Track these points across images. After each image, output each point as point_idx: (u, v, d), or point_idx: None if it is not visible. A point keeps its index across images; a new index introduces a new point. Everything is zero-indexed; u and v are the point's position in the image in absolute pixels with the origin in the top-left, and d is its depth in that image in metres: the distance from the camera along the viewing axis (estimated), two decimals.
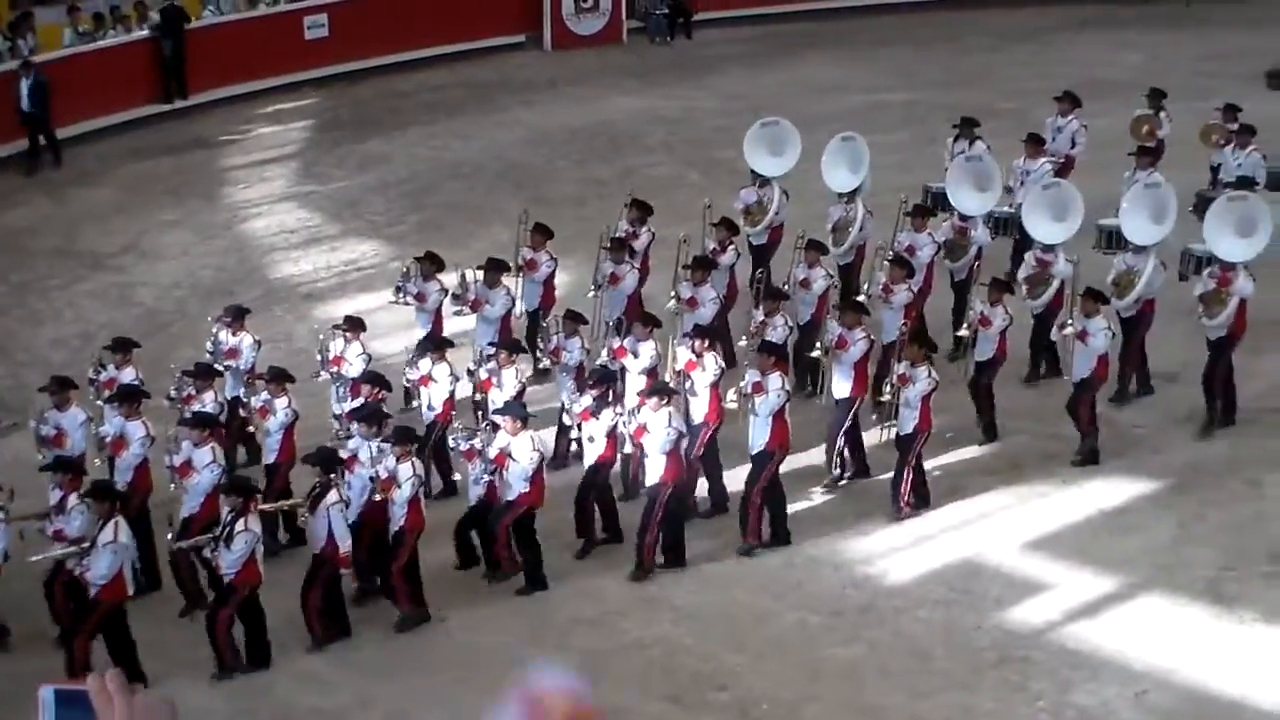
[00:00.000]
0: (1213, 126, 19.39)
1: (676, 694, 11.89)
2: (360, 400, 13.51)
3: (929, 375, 13.74)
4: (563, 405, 14.20)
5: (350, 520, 12.29)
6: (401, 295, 15.45)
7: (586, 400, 13.44)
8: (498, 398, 13.72)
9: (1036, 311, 15.82)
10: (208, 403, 13.42)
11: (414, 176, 22.45)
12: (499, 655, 12.14)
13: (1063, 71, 24.57)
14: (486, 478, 12.84)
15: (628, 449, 13.61)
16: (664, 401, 13.05)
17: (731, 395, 13.55)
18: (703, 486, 14.09)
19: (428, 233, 20.13)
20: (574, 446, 14.41)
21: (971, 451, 15.03)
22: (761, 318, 14.77)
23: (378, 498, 12.45)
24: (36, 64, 22.09)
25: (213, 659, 11.94)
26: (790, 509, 13.85)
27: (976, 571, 13.24)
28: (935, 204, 17.47)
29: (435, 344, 14.28)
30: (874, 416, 14.95)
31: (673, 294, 15.68)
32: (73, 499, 11.89)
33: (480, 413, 13.74)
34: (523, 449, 12.71)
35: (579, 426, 13.68)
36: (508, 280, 15.71)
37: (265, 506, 12.79)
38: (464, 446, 12.93)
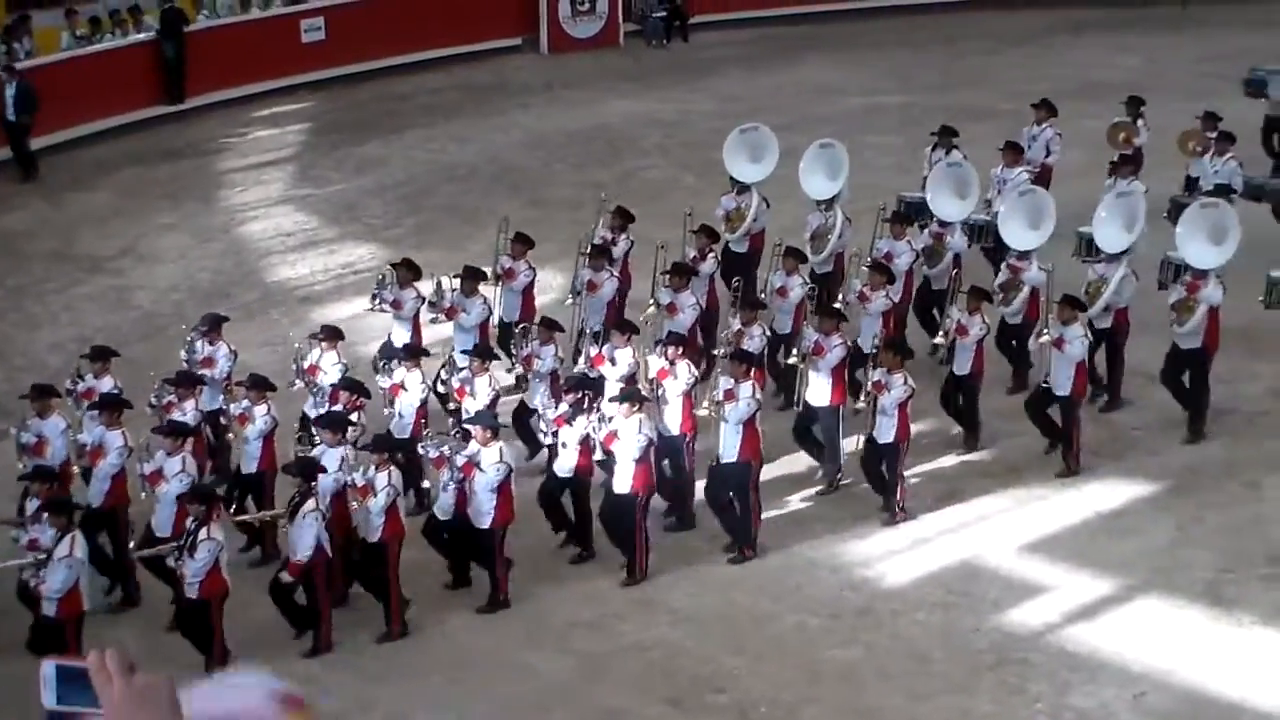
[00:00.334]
0: (1191, 134, 19.25)
1: (675, 696, 11.89)
2: (339, 407, 13.48)
3: (905, 382, 13.67)
4: (535, 412, 14.03)
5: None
6: (377, 302, 15.34)
7: (563, 407, 13.33)
8: (471, 406, 13.64)
9: (1013, 320, 15.73)
10: (188, 411, 13.31)
11: (411, 179, 22.43)
12: (498, 658, 12.12)
13: (1060, 74, 24.57)
14: (453, 485, 12.74)
15: (598, 455, 13.41)
16: (635, 408, 13.00)
17: (705, 403, 13.52)
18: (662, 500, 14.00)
19: (425, 236, 20.12)
20: (547, 454, 14.15)
21: (969, 455, 15.00)
22: (738, 327, 14.54)
23: (354, 505, 12.40)
24: (19, 70, 21.82)
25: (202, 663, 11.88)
26: (788, 513, 13.84)
27: (974, 574, 13.23)
28: (910, 213, 17.28)
29: (410, 353, 14.19)
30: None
31: (652, 300, 15.61)
32: None
33: (454, 421, 13.63)
34: (491, 460, 12.61)
35: (554, 434, 13.45)
36: (485, 289, 15.55)
37: (245, 518, 12.76)
38: (434, 454, 12.83)
